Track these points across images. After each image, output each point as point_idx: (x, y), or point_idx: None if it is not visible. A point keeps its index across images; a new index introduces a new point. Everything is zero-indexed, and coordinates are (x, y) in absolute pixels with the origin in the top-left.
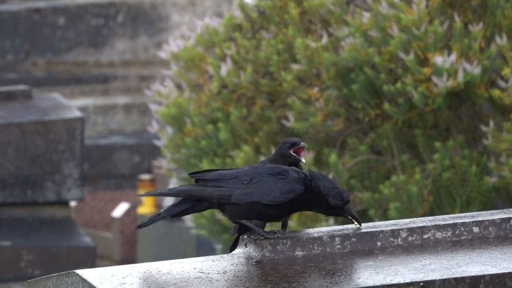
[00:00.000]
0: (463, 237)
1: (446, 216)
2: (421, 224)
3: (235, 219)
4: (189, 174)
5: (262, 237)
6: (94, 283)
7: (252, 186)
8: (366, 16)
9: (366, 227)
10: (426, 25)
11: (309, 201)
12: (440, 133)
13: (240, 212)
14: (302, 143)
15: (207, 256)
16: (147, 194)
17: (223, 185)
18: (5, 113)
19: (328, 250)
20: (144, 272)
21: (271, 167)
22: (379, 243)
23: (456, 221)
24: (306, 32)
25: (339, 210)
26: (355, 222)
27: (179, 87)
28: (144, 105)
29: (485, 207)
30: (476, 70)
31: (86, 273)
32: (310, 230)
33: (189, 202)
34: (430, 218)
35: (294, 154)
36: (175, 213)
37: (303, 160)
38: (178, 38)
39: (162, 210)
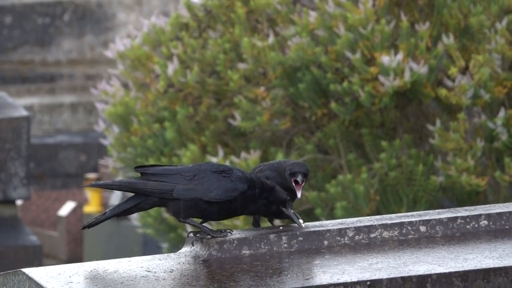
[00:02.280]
0: (410, 236)
1: (393, 215)
2: (368, 223)
3: (179, 216)
4: (134, 167)
5: (209, 236)
6: (41, 282)
7: (194, 182)
8: (313, 15)
9: (313, 226)
10: (372, 24)
11: (251, 201)
12: (387, 132)
13: (182, 208)
14: (299, 178)
15: (153, 255)
16: (91, 185)
17: (166, 180)
18: None
19: (275, 249)
20: (91, 271)
21: (216, 165)
22: (326, 242)
23: (403, 220)
24: (253, 32)
25: (282, 205)
26: (296, 221)
27: (125, 86)
28: (91, 104)
29: (431, 206)
30: (422, 69)
31: (33, 272)
32: (257, 229)
33: (134, 201)
34: (377, 217)
35: (294, 185)
36: (119, 212)
37: (298, 196)
38: (124, 37)
39: (107, 210)
